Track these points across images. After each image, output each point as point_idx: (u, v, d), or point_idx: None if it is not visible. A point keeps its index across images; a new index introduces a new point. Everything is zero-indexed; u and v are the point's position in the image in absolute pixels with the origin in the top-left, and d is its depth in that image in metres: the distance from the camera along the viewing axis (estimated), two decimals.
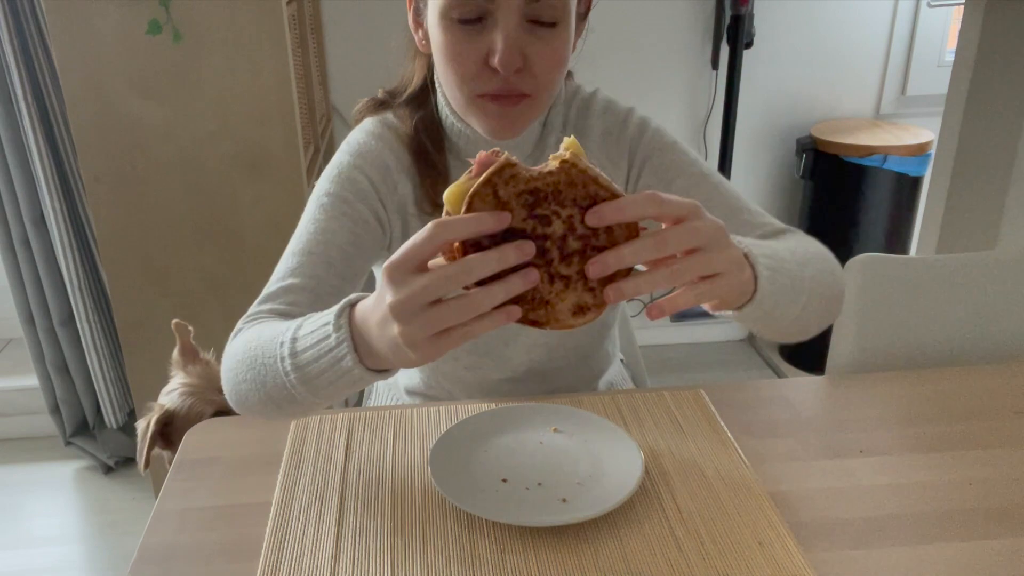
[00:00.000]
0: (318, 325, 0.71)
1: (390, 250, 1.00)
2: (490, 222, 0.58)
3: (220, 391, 1.10)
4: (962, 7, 1.86)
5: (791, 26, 2.50)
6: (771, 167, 2.69)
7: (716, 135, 2.54)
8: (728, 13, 2.39)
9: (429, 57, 0.96)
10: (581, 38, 0.93)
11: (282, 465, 0.86)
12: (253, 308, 0.89)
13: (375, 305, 0.65)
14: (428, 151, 0.97)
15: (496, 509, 0.75)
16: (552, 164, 0.60)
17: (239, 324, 0.88)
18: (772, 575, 0.70)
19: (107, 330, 2.20)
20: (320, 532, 0.76)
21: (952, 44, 2.47)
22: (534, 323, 0.62)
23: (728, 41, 2.42)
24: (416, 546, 0.74)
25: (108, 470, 2.24)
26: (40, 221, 2.05)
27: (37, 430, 2.36)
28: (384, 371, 0.70)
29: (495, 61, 0.82)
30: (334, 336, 0.69)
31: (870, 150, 2.36)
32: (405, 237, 0.98)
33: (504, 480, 0.81)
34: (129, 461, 2.28)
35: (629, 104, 1.02)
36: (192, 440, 0.93)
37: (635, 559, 0.72)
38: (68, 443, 2.27)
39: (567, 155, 0.60)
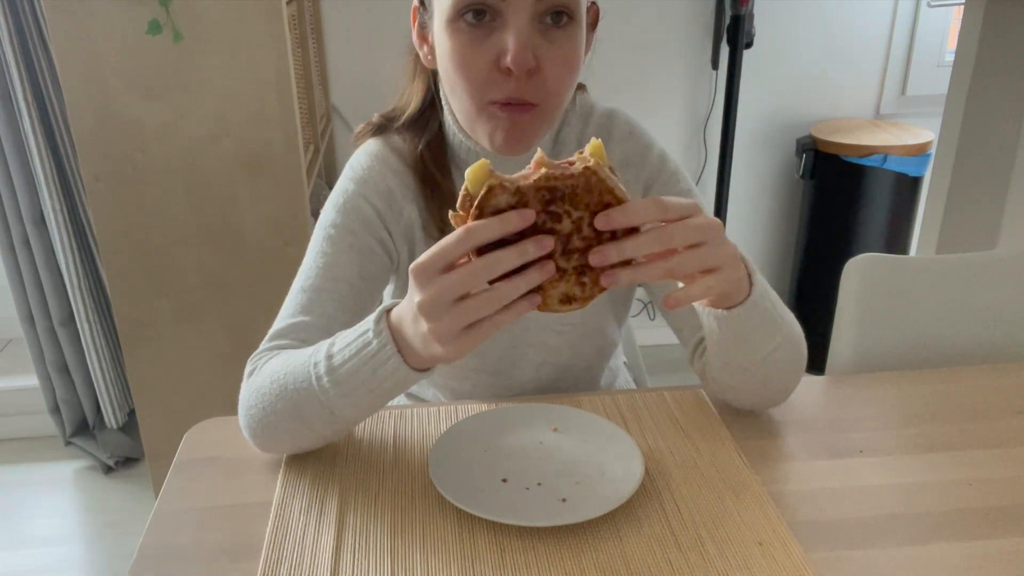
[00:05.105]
0: (355, 336, 0.74)
1: (397, 273, 0.99)
2: (516, 222, 0.61)
3: None
4: (962, 7, 1.86)
5: (791, 26, 2.50)
6: (771, 167, 2.69)
7: (716, 135, 2.54)
8: (728, 13, 2.39)
9: (430, 76, 0.95)
10: (590, 52, 0.90)
11: (282, 465, 0.86)
12: (264, 344, 0.88)
13: (407, 305, 0.68)
14: (434, 176, 0.95)
15: (496, 509, 0.75)
16: (576, 167, 0.63)
17: (251, 363, 0.87)
18: (772, 575, 0.70)
19: (107, 330, 2.20)
20: (320, 532, 0.76)
21: (952, 44, 2.47)
22: None
23: (728, 41, 2.42)
24: (416, 546, 0.74)
25: (108, 470, 2.24)
26: (40, 221, 2.05)
27: (37, 430, 2.36)
28: (426, 370, 0.73)
29: (507, 61, 0.79)
30: (375, 342, 0.72)
31: (870, 150, 2.36)
32: (412, 261, 0.98)
33: (504, 480, 0.81)
34: (129, 461, 2.28)
35: (635, 104, 1.02)
36: (192, 440, 0.93)
37: (635, 559, 0.72)
38: (68, 443, 2.27)
39: (591, 162, 0.63)
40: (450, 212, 0.65)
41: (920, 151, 2.38)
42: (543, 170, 0.62)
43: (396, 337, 0.71)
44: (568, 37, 0.82)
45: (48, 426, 2.30)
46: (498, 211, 0.62)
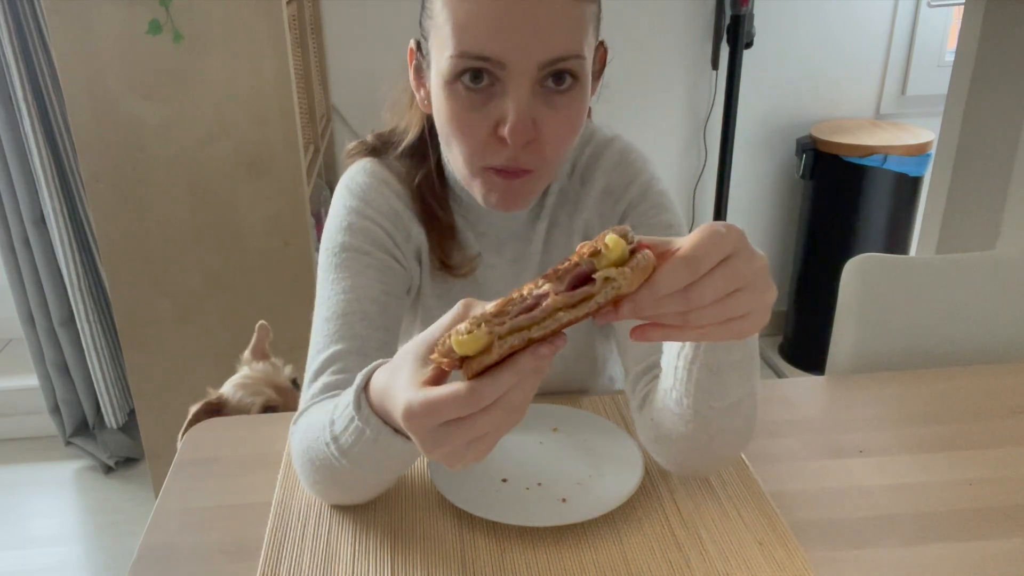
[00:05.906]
0: (346, 422, 0.68)
1: (410, 294, 0.95)
2: (531, 367, 0.54)
3: (275, 388, 1.15)
4: (962, 7, 1.86)
5: (791, 26, 2.50)
6: (771, 167, 2.69)
7: (716, 135, 2.54)
8: (728, 13, 2.39)
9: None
10: (595, 95, 0.84)
11: (282, 465, 0.86)
12: (305, 395, 0.83)
13: (397, 414, 0.59)
14: (432, 208, 0.91)
15: (496, 509, 0.75)
16: (601, 294, 0.53)
17: (291, 425, 0.82)
18: (772, 575, 0.70)
19: (107, 330, 2.20)
20: (320, 532, 0.76)
21: (952, 44, 2.47)
22: None
23: (728, 41, 2.42)
24: (415, 546, 0.74)
25: (108, 470, 2.24)
26: (40, 221, 2.05)
27: (37, 430, 2.36)
28: None
29: (505, 132, 0.74)
30: (369, 432, 0.66)
31: (870, 150, 2.36)
32: (425, 286, 0.94)
33: (504, 480, 0.81)
34: (129, 461, 2.28)
35: (639, 132, 0.98)
36: (192, 440, 0.93)
37: (635, 559, 0.72)
38: (68, 443, 2.27)
39: (620, 286, 0.53)
40: (429, 356, 0.57)
41: (920, 151, 2.38)
42: (560, 314, 0.53)
43: (387, 420, 0.65)
44: (571, 100, 0.76)
45: (48, 426, 2.30)
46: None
